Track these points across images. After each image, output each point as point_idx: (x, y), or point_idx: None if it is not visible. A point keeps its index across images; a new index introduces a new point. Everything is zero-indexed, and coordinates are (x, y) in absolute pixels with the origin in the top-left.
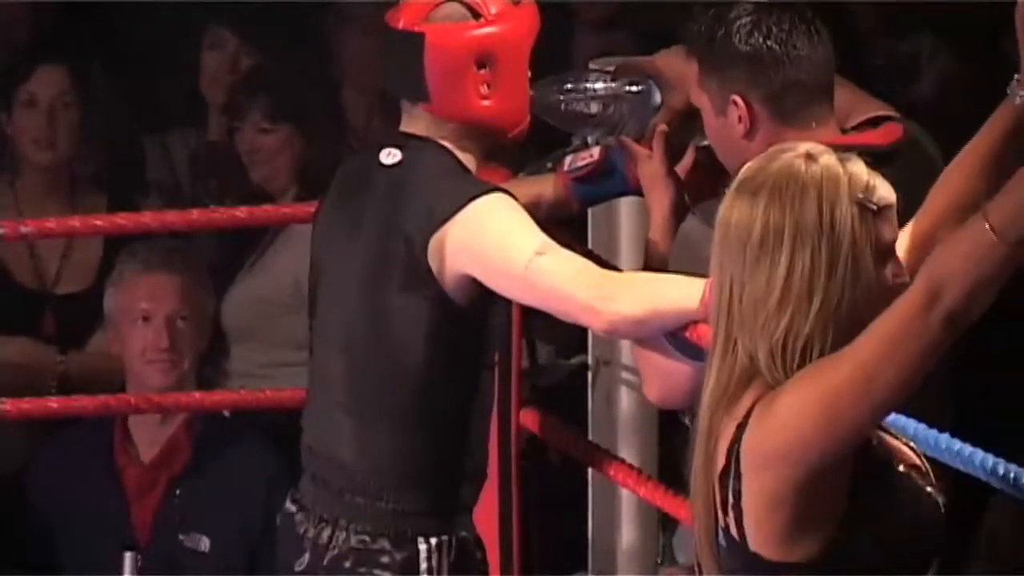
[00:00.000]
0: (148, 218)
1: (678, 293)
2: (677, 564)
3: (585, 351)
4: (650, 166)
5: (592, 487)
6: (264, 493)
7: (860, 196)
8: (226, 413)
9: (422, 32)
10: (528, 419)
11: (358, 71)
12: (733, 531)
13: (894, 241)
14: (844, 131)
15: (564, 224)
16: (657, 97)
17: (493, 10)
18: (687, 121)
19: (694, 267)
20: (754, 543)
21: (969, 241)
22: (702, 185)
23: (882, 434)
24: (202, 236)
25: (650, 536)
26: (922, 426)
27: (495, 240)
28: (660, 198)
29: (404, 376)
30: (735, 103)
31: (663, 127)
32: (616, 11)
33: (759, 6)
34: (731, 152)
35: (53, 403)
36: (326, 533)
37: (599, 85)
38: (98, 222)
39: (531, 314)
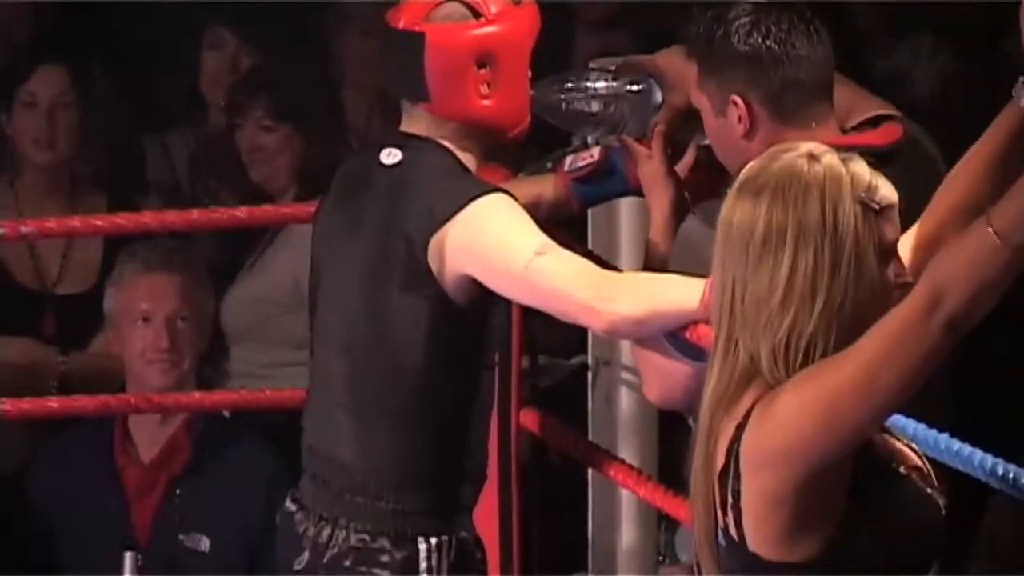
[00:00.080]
0: (148, 218)
1: (678, 293)
2: (680, 563)
3: (585, 351)
4: (650, 166)
5: (592, 487)
6: (264, 493)
7: (863, 196)
8: (226, 413)
9: (422, 32)
10: (528, 419)
11: (358, 71)
12: (732, 531)
13: (896, 240)
14: (844, 131)
15: (564, 224)
16: (658, 96)
17: (493, 10)
18: (687, 121)
19: (694, 267)
20: (753, 543)
21: (972, 245)
22: (702, 185)
23: (884, 435)
24: (202, 236)
25: (650, 536)
26: (922, 426)
27: (495, 240)
28: (660, 198)
29: (404, 376)
30: (735, 103)
31: (663, 127)
32: (616, 11)
33: (758, 6)
34: (731, 152)
35: (53, 403)
36: (326, 532)
37: (600, 84)
38: (98, 222)
39: (531, 314)
